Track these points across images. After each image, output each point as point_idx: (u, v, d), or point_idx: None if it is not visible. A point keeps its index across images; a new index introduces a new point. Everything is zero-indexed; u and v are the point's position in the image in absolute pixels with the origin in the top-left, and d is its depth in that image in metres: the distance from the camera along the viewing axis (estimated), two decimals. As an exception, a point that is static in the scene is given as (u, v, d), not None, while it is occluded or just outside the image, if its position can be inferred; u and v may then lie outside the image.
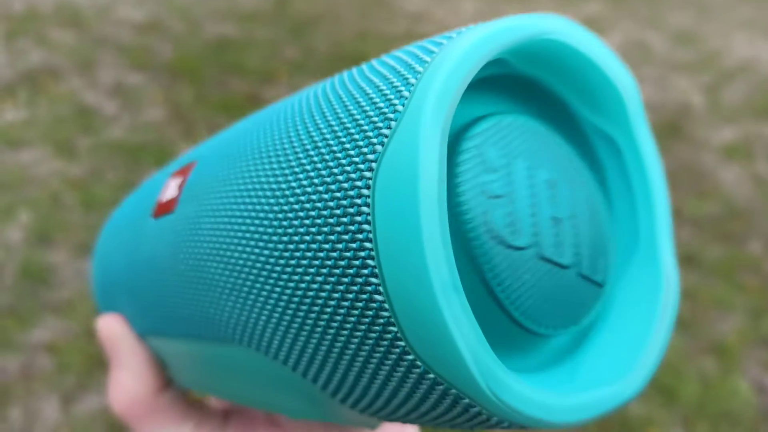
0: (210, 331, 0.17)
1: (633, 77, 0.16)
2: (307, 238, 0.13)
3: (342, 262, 0.13)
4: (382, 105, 0.13)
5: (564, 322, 0.15)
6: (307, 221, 0.13)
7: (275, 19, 2.22)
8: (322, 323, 0.13)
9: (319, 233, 0.13)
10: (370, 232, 0.12)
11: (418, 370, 0.13)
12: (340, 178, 0.13)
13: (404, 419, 0.15)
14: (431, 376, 0.12)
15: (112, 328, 0.23)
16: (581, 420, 0.14)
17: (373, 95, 0.13)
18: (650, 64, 2.32)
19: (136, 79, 1.72)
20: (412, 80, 0.13)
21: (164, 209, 0.19)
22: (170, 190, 0.20)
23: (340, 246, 0.13)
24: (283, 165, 0.14)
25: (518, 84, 0.16)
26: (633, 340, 0.16)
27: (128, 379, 0.22)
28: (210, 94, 1.70)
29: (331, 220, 0.13)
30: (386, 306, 0.12)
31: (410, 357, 0.12)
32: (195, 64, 1.82)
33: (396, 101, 0.13)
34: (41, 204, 1.25)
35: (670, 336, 0.15)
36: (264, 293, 0.14)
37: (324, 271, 0.13)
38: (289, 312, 0.14)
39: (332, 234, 0.13)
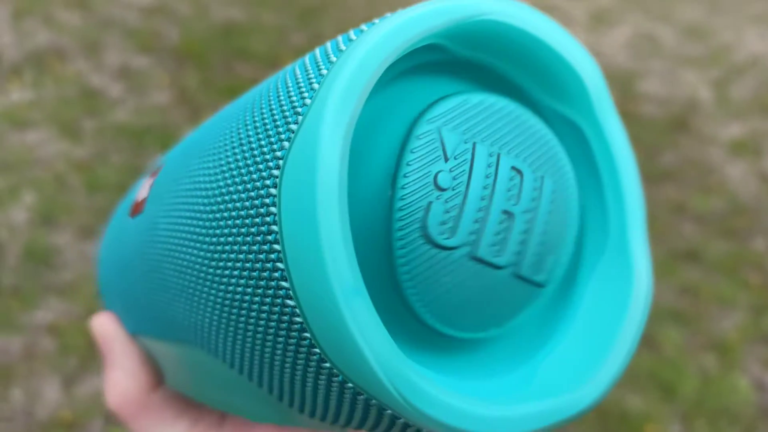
0: (174, 332, 0.17)
1: (594, 60, 0.15)
2: (230, 239, 0.13)
3: (257, 264, 0.12)
4: (294, 98, 0.12)
5: (483, 325, 0.14)
6: (229, 221, 0.13)
7: (283, 4, 2.21)
8: (250, 327, 0.13)
9: (238, 234, 0.13)
10: (278, 233, 0.12)
11: (337, 379, 0.12)
12: (254, 176, 0.12)
13: (353, 428, 0.15)
14: (350, 385, 0.12)
15: (104, 326, 0.24)
16: None
17: (291, 88, 0.13)
18: (659, 58, 2.30)
19: (142, 62, 1.71)
20: (324, 71, 0.12)
21: (137, 209, 0.19)
22: (144, 190, 0.20)
23: (254, 248, 0.12)
24: (216, 163, 0.14)
25: (470, 70, 0.15)
26: (597, 345, 0.15)
27: (121, 377, 0.23)
28: (216, 79, 1.69)
29: (247, 221, 0.12)
30: (298, 311, 0.12)
31: (327, 365, 0.12)
32: (201, 47, 1.82)
33: (306, 94, 0.12)
34: (46, 185, 1.25)
35: (639, 340, 0.14)
36: (203, 295, 0.14)
37: (245, 273, 0.12)
38: (225, 315, 0.14)
39: (248, 235, 0.12)
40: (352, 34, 0.13)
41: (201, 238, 0.14)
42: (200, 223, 0.14)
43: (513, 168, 0.14)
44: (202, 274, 0.14)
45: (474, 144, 0.13)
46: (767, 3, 3.07)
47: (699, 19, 2.74)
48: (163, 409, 0.22)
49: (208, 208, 0.14)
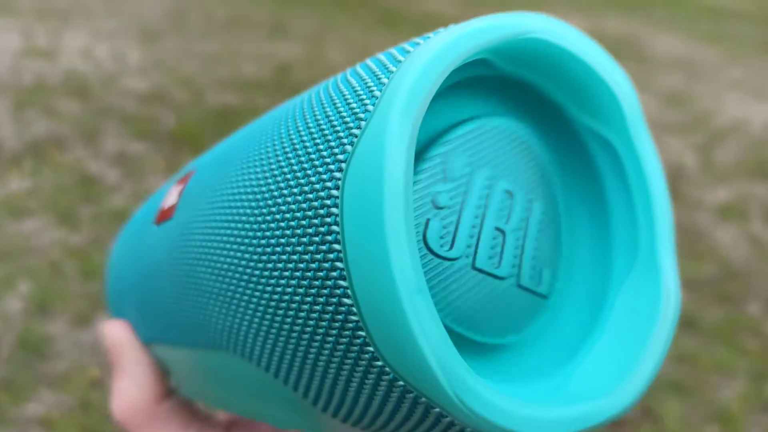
0: (201, 338, 0.17)
1: (630, 82, 0.16)
2: (282, 240, 0.13)
3: (313, 265, 0.12)
4: (354, 105, 0.13)
5: (501, 331, 0.15)
6: (282, 223, 0.13)
7: (276, 87, 2.28)
8: (296, 328, 0.13)
9: (293, 235, 0.13)
10: (338, 233, 0.12)
11: (387, 377, 0.12)
12: (313, 179, 0.13)
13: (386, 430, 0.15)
14: (401, 383, 0.12)
15: (117, 334, 0.24)
16: None
17: (348, 95, 0.13)
18: (643, 126, 2.36)
19: (138, 148, 1.75)
20: (385, 80, 0.13)
21: (165, 216, 0.20)
22: (171, 197, 0.20)
23: (311, 248, 0.12)
24: (265, 168, 0.14)
25: (511, 86, 0.16)
26: (628, 354, 0.15)
27: (130, 386, 0.22)
28: (211, 162, 1.72)
29: (303, 222, 0.13)
30: (354, 310, 0.12)
31: (379, 363, 0.12)
32: (196, 131, 1.87)
33: (367, 101, 0.13)
34: (41, 273, 1.26)
35: (666, 352, 0.15)
36: (245, 297, 0.14)
37: (297, 274, 0.13)
38: (268, 316, 0.14)
39: (304, 236, 0.13)
40: (407, 46, 0.13)
41: (247, 240, 0.14)
42: (246, 226, 0.14)
43: (506, 191, 0.15)
44: (246, 276, 0.14)
45: (474, 169, 0.14)
46: (743, 70, 3.18)
47: (679, 87, 2.83)
48: (170, 420, 0.22)
49: (256, 211, 0.14)
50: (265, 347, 0.14)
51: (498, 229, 0.15)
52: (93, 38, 2.54)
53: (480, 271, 0.14)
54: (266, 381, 0.15)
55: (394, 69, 0.13)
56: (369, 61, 0.14)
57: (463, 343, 0.15)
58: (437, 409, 0.12)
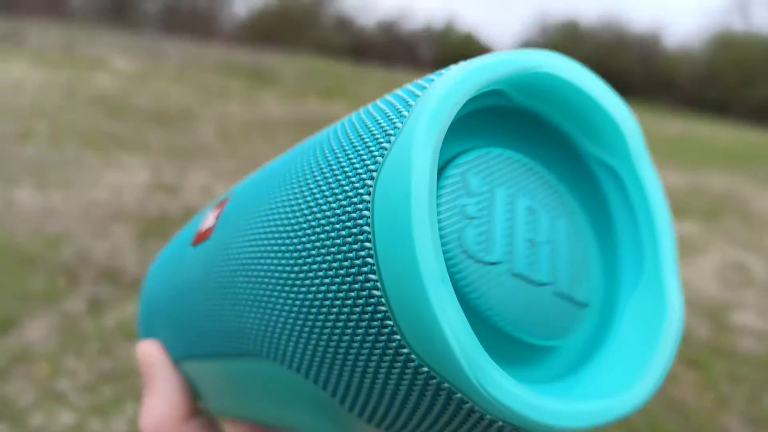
0: (235, 346, 0.18)
1: (631, 112, 0.17)
2: (318, 244, 0.14)
3: (346, 263, 0.14)
4: (384, 124, 0.14)
5: (547, 335, 0.15)
6: (318, 229, 0.15)
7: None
8: (329, 323, 0.14)
9: (327, 239, 0.14)
10: (370, 233, 0.13)
11: (413, 364, 0.13)
12: (347, 187, 0.14)
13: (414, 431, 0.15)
14: (425, 369, 0.13)
15: (149, 352, 0.25)
16: (576, 427, 0.14)
17: (379, 117, 0.15)
18: (751, 288, 2.25)
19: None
20: (412, 102, 0.14)
21: (202, 237, 0.21)
22: (208, 221, 0.22)
23: (344, 248, 0.14)
24: (302, 184, 0.16)
25: (522, 117, 0.17)
26: (635, 361, 0.16)
27: (159, 404, 0.23)
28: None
29: (337, 226, 0.14)
30: (383, 300, 0.13)
31: (405, 351, 0.13)
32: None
33: (396, 119, 0.14)
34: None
35: (673, 358, 0.16)
36: (281, 300, 0.16)
37: (331, 272, 0.14)
38: (302, 315, 0.15)
39: (338, 238, 0.14)
40: (433, 76, 0.15)
41: (284, 248, 0.16)
42: (284, 235, 0.16)
43: (529, 208, 0.16)
44: (282, 281, 0.16)
45: (492, 187, 0.15)
46: None
47: (789, 248, 2.70)
48: None
49: (293, 221, 0.16)
50: (298, 346, 0.15)
51: (530, 240, 0.15)
52: (213, 177, 2.78)
53: (519, 276, 0.15)
54: (299, 384, 0.16)
55: (420, 93, 0.14)
56: (397, 91, 0.15)
57: (496, 343, 0.15)
58: (458, 395, 0.13)
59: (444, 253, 0.14)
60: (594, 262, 0.17)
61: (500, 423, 0.13)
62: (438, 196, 0.14)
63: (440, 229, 0.14)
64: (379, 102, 0.16)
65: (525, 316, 0.15)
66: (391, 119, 0.14)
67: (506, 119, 0.17)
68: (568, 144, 0.18)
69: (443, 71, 0.15)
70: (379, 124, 0.14)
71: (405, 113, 0.14)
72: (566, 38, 20.26)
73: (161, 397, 0.23)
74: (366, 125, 0.15)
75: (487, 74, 0.15)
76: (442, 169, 0.15)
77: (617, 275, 0.18)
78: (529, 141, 0.17)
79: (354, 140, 0.15)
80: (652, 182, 0.17)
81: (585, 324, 0.17)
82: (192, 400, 0.24)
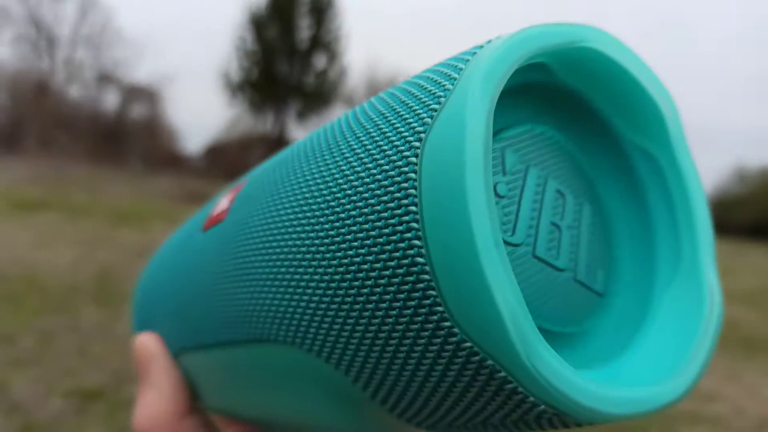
0: (246, 331, 0.17)
1: (673, 97, 0.16)
2: (354, 212, 0.13)
3: (386, 230, 0.13)
4: (431, 88, 0.14)
5: (562, 321, 0.15)
6: (354, 197, 0.14)
7: None
8: (360, 298, 0.13)
9: (365, 206, 0.13)
10: (416, 197, 0.12)
11: (454, 339, 0.12)
12: (389, 151, 0.13)
13: (438, 421, 0.14)
14: (468, 345, 0.12)
15: (147, 345, 0.23)
16: (623, 414, 0.13)
17: (424, 83, 0.14)
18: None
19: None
20: (461, 66, 0.13)
21: (214, 221, 0.20)
22: (222, 204, 0.21)
23: (385, 214, 0.13)
24: (335, 153, 0.15)
25: (564, 97, 0.17)
26: (676, 350, 0.15)
27: (155, 400, 0.22)
28: None
29: (378, 192, 0.13)
30: (427, 269, 0.12)
31: (448, 324, 0.12)
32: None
33: (445, 82, 0.13)
34: None
35: (715, 346, 0.15)
36: (305, 277, 0.15)
37: (368, 242, 0.13)
38: (330, 291, 0.14)
39: (378, 204, 0.13)
40: (482, 43, 0.14)
41: (314, 220, 0.15)
42: (314, 206, 0.15)
43: (558, 191, 0.15)
44: (309, 255, 0.15)
45: (528, 166, 0.15)
46: None
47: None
48: None
49: (325, 191, 0.15)
50: (321, 327, 0.14)
51: (554, 224, 0.15)
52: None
53: (540, 259, 0.15)
54: (316, 369, 0.15)
55: (470, 58, 0.14)
56: (443, 61, 0.15)
57: None
58: (502, 374, 0.12)
59: None
60: (620, 250, 0.17)
61: (543, 407, 0.12)
62: None
63: None
64: (422, 73, 0.15)
65: (542, 300, 0.14)
66: (440, 83, 0.13)
67: (547, 97, 0.16)
68: (608, 127, 0.17)
69: (492, 39, 0.14)
70: (424, 89, 0.14)
71: (455, 76, 0.13)
72: (767, 186, 19.54)
73: (158, 392, 0.23)
74: (409, 92, 0.14)
75: (535, 43, 0.14)
76: None
77: (654, 264, 0.17)
78: (568, 121, 0.17)
79: (396, 106, 0.14)
80: (690, 171, 0.17)
81: (618, 312, 0.17)
82: (189, 397, 0.23)
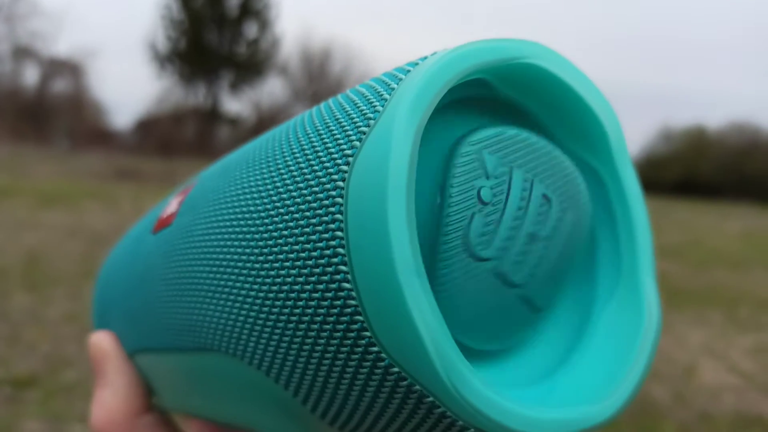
0: (194, 340, 0.17)
1: (615, 112, 0.17)
2: (285, 232, 0.14)
3: (315, 253, 0.13)
4: (363, 107, 0.13)
5: (489, 339, 0.15)
6: (286, 216, 0.14)
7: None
8: (294, 318, 0.13)
9: (296, 227, 0.13)
10: (342, 221, 0.12)
11: (383, 364, 0.12)
12: (319, 173, 0.13)
13: None
14: (395, 370, 0.12)
15: (101, 343, 0.23)
16: None
17: (358, 100, 0.14)
18: None
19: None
20: (394, 85, 0.13)
21: (163, 224, 0.20)
22: (171, 207, 0.21)
23: (314, 237, 0.13)
24: (271, 167, 0.15)
25: (507, 111, 0.16)
26: (612, 367, 0.15)
27: (110, 398, 0.22)
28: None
29: (307, 213, 0.13)
30: (354, 294, 0.12)
31: (376, 349, 0.12)
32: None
33: (377, 103, 0.13)
34: None
35: (651, 364, 0.16)
36: (243, 291, 0.15)
37: (298, 263, 0.13)
38: (265, 308, 0.14)
39: (308, 226, 0.13)
40: (416, 60, 0.14)
41: (249, 236, 0.15)
42: (249, 222, 0.15)
43: (544, 195, 0.15)
44: (245, 270, 0.15)
45: (511, 167, 0.15)
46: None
47: None
48: None
49: (260, 207, 0.15)
50: (260, 341, 0.15)
51: (531, 234, 0.15)
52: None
53: (499, 276, 0.14)
54: (259, 381, 0.15)
55: (403, 76, 0.14)
56: (379, 75, 0.15)
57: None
58: (430, 398, 0.12)
59: (446, 240, 0.13)
60: (579, 262, 0.17)
61: (472, 431, 0.13)
62: (452, 176, 0.14)
63: (450, 213, 0.14)
64: (358, 87, 0.15)
65: (477, 318, 0.14)
66: (372, 103, 0.13)
67: (491, 110, 0.16)
68: (551, 140, 0.17)
69: (427, 56, 0.14)
70: (357, 107, 0.14)
71: (386, 96, 0.13)
72: (692, 145, 19.92)
73: (113, 390, 0.22)
74: (344, 109, 0.14)
75: (472, 60, 0.14)
76: (453, 147, 0.14)
77: (595, 278, 0.17)
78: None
79: (330, 124, 0.14)
80: (632, 184, 0.17)
81: (558, 328, 0.17)
82: (145, 394, 0.23)
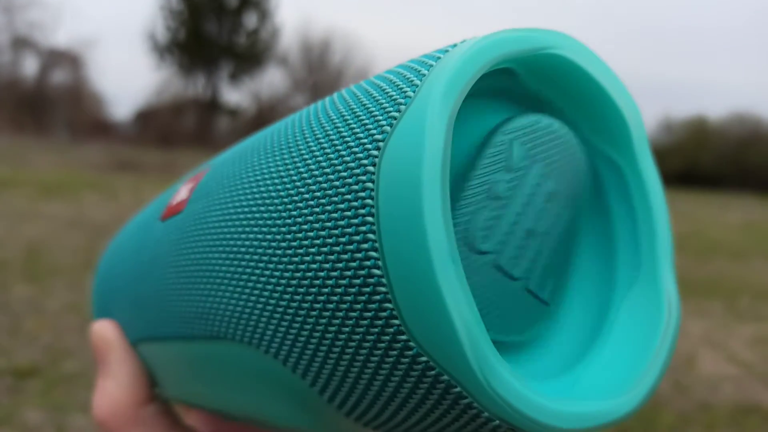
0: (204, 328, 0.17)
1: (637, 106, 0.17)
2: (311, 218, 0.13)
3: (343, 239, 0.12)
4: (393, 93, 0.13)
5: (508, 330, 0.15)
6: (311, 201, 0.13)
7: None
8: (317, 305, 0.13)
9: (322, 212, 0.13)
10: (373, 207, 0.12)
11: (410, 353, 0.12)
12: (347, 158, 0.13)
13: (394, 428, 0.14)
14: (424, 359, 0.12)
15: (104, 332, 0.23)
16: (576, 429, 0.13)
17: (386, 86, 0.14)
18: None
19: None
20: (425, 71, 0.13)
21: (173, 211, 0.20)
22: (181, 194, 0.20)
23: (342, 222, 0.13)
24: (294, 153, 0.15)
25: (532, 102, 0.17)
26: (633, 361, 0.15)
27: (113, 388, 0.22)
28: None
29: (335, 198, 0.13)
30: (383, 281, 0.12)
31: (404, 337, 0.12)
32: None
33: (407, 89, 0.13)
34: None
35: (670, 358, 0.16)
36: (263, 279, 0.14)
37: (324, 249, 0.13)
38: (287, 295, 0.14)
39: (335, 211, 0.13)
40: (446, 47, 0.14)
41: (270, 221, 0.14)
42: (271, 207, 0.15)
43: (550, 193, 0.15)
44: (266, 257, 0.14)
45: (533, 162, 0.15)
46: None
47: None
48: (149, 425, 0.21)
49: (283, 193, 0.14)
50: (278, 329, 0.14)
51: (529, 230, 0.15)
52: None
53: (499, 269, 0.14)
54: (273, 370, 0.15)
55: (433, 63, 0.13)
56: (407, 62, 0.15)
57: None
58: (457, 389, 0.12)
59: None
60: (580, 257, 0.17)
61: (497, 422, 0.12)
62: (479, 166, 0.14)
63: (458, 207, 0.13)
64: (384, 73, 0.15)
65: (492, 309, 0.14)
66: (402, 88, 0.13)
67: (516, 101, 0.16)
68: (575, 132, 0.17)
69: (457, 43, 0.14)
70: (386, 93, 0.13)
71: (417, 82, 0.13)
72: (693, 136, 19.85)
73: (116, 380, 0.22)
74: (371, 95, 0.14)
75: (503, 49, 0.14)
76: (488, 136, 0.14)
77: (614, 272, 0.17)
78: None
79: (356, 109, 0.14)
80: (652, 178, 0.17)
81: (576, 322, 0.17)
82: (148, 384, 0.22)
